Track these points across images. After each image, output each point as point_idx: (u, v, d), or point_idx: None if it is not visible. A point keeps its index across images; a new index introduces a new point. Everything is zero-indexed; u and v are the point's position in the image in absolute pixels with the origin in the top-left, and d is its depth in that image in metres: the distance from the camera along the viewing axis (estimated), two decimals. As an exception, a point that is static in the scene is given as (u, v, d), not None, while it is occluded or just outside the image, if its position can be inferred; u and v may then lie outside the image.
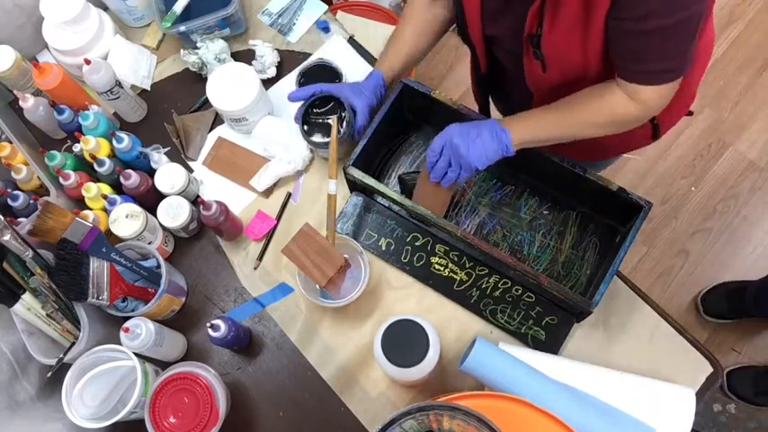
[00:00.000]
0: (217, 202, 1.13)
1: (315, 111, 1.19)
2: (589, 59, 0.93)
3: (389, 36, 1.17)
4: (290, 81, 1.34)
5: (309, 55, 1.38)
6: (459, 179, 1.04)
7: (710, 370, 1.07)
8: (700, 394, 1.05)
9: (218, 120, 1.34)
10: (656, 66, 0.86)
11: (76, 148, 1.22)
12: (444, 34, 1.16)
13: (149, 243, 1.15)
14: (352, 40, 1.39)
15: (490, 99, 1.26)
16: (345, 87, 1.15)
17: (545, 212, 1.17)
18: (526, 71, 1.01)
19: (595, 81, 1.00)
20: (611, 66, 0.94)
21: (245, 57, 1.37)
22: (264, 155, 1.29)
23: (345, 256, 1.09)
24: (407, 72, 1.20)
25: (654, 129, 1.10)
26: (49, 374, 1.04)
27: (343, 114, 1.16)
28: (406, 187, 1.19)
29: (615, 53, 0.88)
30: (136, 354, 1.02)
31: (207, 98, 1.25)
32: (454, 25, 1.15)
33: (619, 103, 0.91)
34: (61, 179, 1.14)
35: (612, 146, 1.18)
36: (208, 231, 1.26)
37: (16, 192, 1.16)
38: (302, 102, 1.17)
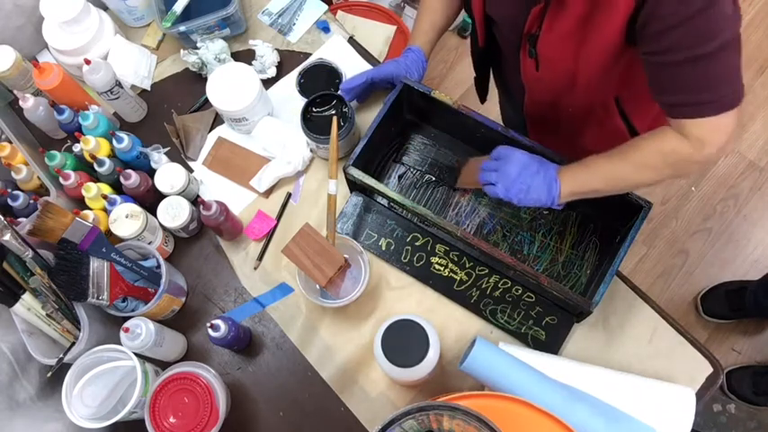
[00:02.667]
0: (217, 202, 1.13)
1: (315, 109, 1.20)
2: (579, 70, 0.93)
3: (419, 9, 1.17)
4: (290, 81, 1.35)
5: (309, 55, 1.38)
6: (490, 190, 1.02)
7: (710, 370, 1.07)
8: (700, 394, 1.05)
9: (218, 120, 1.34)
10: (697, 97, 0.81)
11: (76, 148, 1.22)
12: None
13: (149, 243, 1.15)
14: (352, 40, 1.39)
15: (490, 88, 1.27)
16: (392, 69, 1.16)
17: (545, 212, 1.17)
18: (521, 65, 1.02)
19: (583, 95, 1.00)
20: (600, 83, 0.95)
21: (245, 57, 1.37)
22: (264, 155, 1.29)
23: (345, 256, 1.09)
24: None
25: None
26: (49, 374, 1.04)
27: (344, 110, 1.17)
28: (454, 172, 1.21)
29: (653, 88, 0.86)
30: (136, 354, 1.02)
31: (207, 98, 1.25)
32: (453, 25, 1.16)
33: (671, 141, 0.85)
34: (61, 179, 1.14)
35: (593, 150, 1.17)
36: (208, 231, 1.26)
37: (16, 192, 1.16)
38: (357, 84, 1.18)
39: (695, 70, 0.79)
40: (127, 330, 1.01)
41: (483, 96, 1.31)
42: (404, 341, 0.96)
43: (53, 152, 1.17)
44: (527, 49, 0.96)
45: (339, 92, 1.20)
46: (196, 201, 1.23)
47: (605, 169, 0.93)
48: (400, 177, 1.23)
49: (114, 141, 1.19)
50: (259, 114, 1.27)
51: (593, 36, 0.86)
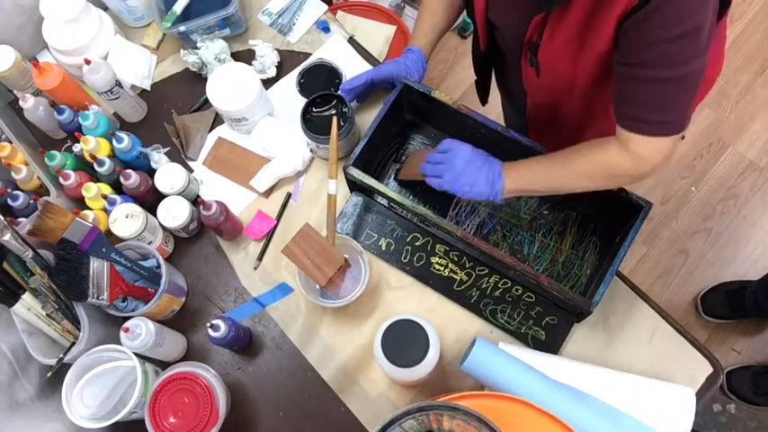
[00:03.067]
0: (217, 202, 1.13)
1: (315, 109, 1.20)
2: (577, 77, 0.94)
3: (419, 10, 1.18)
4: (290, 81, 1.35)
5: (309, 55, 1.38)
6: (433, 182, 1.05)
7: (710, 370, 1.07)
8: (700, 394, 1.05)
9: (218, 120, 1.34)
10: (652, 116, 0.84)
11: (76, 148, 1.22)
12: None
13: (149, 243, 1.15)
14: (352, 40, 1.39)
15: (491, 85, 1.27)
16: (392, 69, 1.16)
17: (545, 212, 1.17)
18: (523, 72, 1.02)
19: (582, 100, 1.01)
20: (597, 91, 0.96)
21: (245, 57, 1.37)
22: (264, 155, 1.29)
23: (345, 256, 1.09)
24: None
25: None
26: (49, 374, 1.04)
27: (344, 110, 1.17)
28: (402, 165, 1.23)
29: (615, 95, 0.88)
30: (136, 354, 1.02)
31: (207, 98, 1.25)
32: (454, 25, 1.16)
33: (613, 154, 0.89)
34: (61, 179, 1.14)
35: None
36: (208, 231, 1.26)
37: (16, 192, 1.16)
38: (357, 85, 1.19)
39: (659, 90, 0.82)
40: (127, 330, 1.01)
41: (484, 99, 1.31)
42: (404, 341, 0.96)
43: (53, 152, 1.17)
44: (528, 58, 0.97)
45: (339, 92, 1.20)
46: (196, 201, 1.23)
47: (548, 172, 0.97)
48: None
49: (114, 141, 1.19)
50: (259, 114, 1.27)
51: (589, 44, 0.87)
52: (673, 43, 0.77)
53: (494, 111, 1.34)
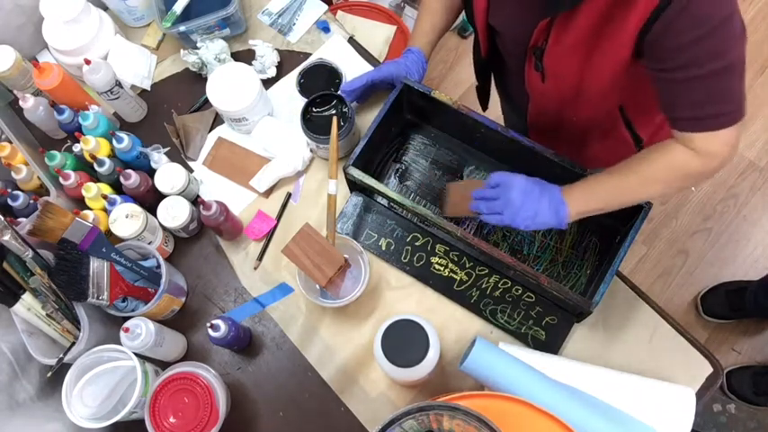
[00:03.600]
0: (217, 202, 1.13)
1: (315, 109, 1.20)
2: (585, 82, 0.93)
3: (419, 11, 1.18)
4: (290, 81, 1.35)
5: (309, 55, 1.38)
6: (491, 219, 1.00)
7: (710, 370, 1.07)
8: (700, 394, 1.05)
9: (218, 120, 1.34)
10: (707, 111, 0.82)
11: (76, 148, 1.22)
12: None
13: (149, 243, 1.15)
14: (352, 40, 1.39)
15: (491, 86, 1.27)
16: (392, 69, 1.16)
17: (545, 212, 1.17)
18: (526, 77, 1.02)
19: (588, 106, 1.00)
20: (607, 96, 0.95)
21: (245, 57, 1.37)
22: (264, 155, 1.29)
23: (345, 256, 1.09)
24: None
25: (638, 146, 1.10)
26: (49, 374, 1.04)
27: (344, 110, 1.17)
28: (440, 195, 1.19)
29: (662, 102, 0.86)
30: (136, 354, 1.02)
31: (207, 98, 1.25)
32: (453, 25, 1.15)
33: (678, 156, 0.86)
34: (61, 179, 1.14)
35: (599, 159, 1.16)
36: (208, 231, 1.26)
37: (16, 192, 1.16)
38: (357, 86, 1.18)
39: (705, 86, 0.80)
40: (127, 330, 1.01)
41: (484, 104, 1.30)
42: (404, 341, 0.96)
43: (53, 152, 1.17)
44: (533, 62, 0.96)
45: (339, 92, 1.20)
46: (196, 201, 1.23)
47: (612, 185, 0.93)
48: (400, 177, 1.23)
49: (114, 141, 1.19)
50: (259, 114, 1.27)
51: (602, 50, 0.86)
52: (708, 39, 0.75)
53: (494, 111, 1.33)
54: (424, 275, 1.16)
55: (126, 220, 1.11)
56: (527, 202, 0.96)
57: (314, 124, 1.19)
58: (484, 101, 1.29)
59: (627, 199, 0.94)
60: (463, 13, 1.16)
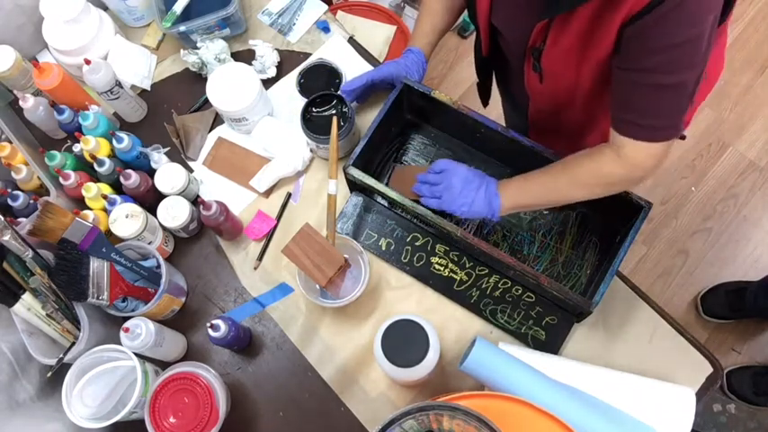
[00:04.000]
0: (217, 202, 1.13)
1: (315, 109, 1.20)
2: (579, 82, 0.95)
3: (419, 11, 1.18)
4: (290, 81, 1.35)
5: (309, 55, 1.38)
6: (429, 203, 1.06)
7: (710, 370, 1.07)
8: (700, 394, 1.05)
9: (218, 120, 1.34)
10: (648, 121, 0.85)
11: (76, 148, 1.22)
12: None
13: (149, 243, 1.15)
14: (352, 40, 1.39)
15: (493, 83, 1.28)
16: (392, 69, 1.17)
17: (545, 213, 1.17)
18: (525, 77, 1.02)
19: (584, 105, 1.01)
20: (598, 95, 0.95)
21: (245, 57, 1.37)
22: (264, 155, 1.29)
23: (345, 256, 1.09)
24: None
25: None
26: (49, 374, 1.04)
27: (344, 110, 1.17)
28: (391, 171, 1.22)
29: (613, 99, 0.89)
30: (136, 354, 1.02)
31: (207, 98, 1.25)
32: (453, 26, 1.15)
33: (606, 161, 0.91)
34: (61, 179, 1.14)
35: None
36: (208, 231, 1.26)
37: (16, 192, 1.16)
38: (357, 86, 1.19)
39: (657, 96, 0.82)
40: (127, 330, 1.01)
41: (485, 101, 1.31)
42: (404, 341, 0.96)
43: (53, 152, 1.17)
44: (531, 63, 0.97)
45: (339, 92, 1.20)
46: (196, 201, 1.23)
47: (543, 184, 0.98)
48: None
49: (114, 141, 1.19)
50: (259, 114, 1.27)
51: (593, 50, 0.87)
52: (675, 50, 0.77)
53: (494, 111, 1.34)
54: (424, 275, 1.16)
55: (126, 220, 1.11)
56: (465, 191, 1.02)
57: (314, 124, 1.19)
58: (485, 98, 1.30)
59: (555, 198, 0.99)
60: (464, 12, 1.16)
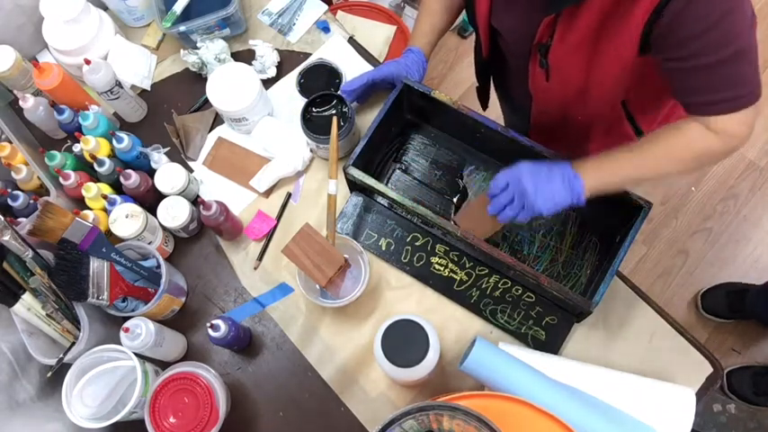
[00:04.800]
0: (217, 202, 1.13)
1: (315, 109, 1.20)
2: (591, 79, 0.93)
3: (419, 11, 1.18)
4: (290, 81, 1.35)
5: (309, 55, 1.38)
6: (519, 218, 0.96)
7: (710, 370, 1.07)
8: (700, 394, 1.05)
9: (218, 120, 1.34)
10: (723, 95, 0.82)
11: (76, 148, 1.22)
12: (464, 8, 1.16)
13: (149, 243, 1.15)
14: (352, 40, 1.39)
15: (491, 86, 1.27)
16: (392, 69, 1.16)
17: (545, 212, 1.17)
18: (530, 76, 1.02)
19: (593, 103, 1.00)
20: (612, 92, 0.94)
21: (245, 57, 1.37)
22: (264, 155, 1.29)
23: (345, 256, 1.09)
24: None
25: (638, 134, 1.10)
26: (49, 374, 1.04)
27: (344, 110, 1.17)
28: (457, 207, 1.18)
29: (676, 89, 0.87)
30: (136, 354, 1.02)
31: (207, 98, 1.25)
32: (453, 25, 1.15)
33: (697, 137, 0.86)
34: (61, 179, 1.14)
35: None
36: (208, 231, 1.26)
37: (16, 192, 1.16)
38: (357, 86, 1.18)
39: (716, 73, 0.80)
40: (127, 330, 1.01)
41: (485, 104, 1.31)
42: (404, 341, 0.96)
43: (53, 152, 1.17)
44: (538, 60, 0.96)
45: (339, 92, 1.20)
46: (196, 201, 1.23)
47: (630, 162, 0.91)
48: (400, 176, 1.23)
49: (114, 141, 1.19)
50: (259, 114, 1.27)
51: (607, 47, 0.86)
52: (717, 27, 0.75)
53: (494, 111, 1.33)
54: (424, 275, 1.16)
55: (126, 220, 1.11)
56: (539, 185, 0.92)
57: (314, 124, 1.19)
58: (484, 101, 1.30)
59: (644, 174, 0.91)
60: (463, 12, 1.16)
